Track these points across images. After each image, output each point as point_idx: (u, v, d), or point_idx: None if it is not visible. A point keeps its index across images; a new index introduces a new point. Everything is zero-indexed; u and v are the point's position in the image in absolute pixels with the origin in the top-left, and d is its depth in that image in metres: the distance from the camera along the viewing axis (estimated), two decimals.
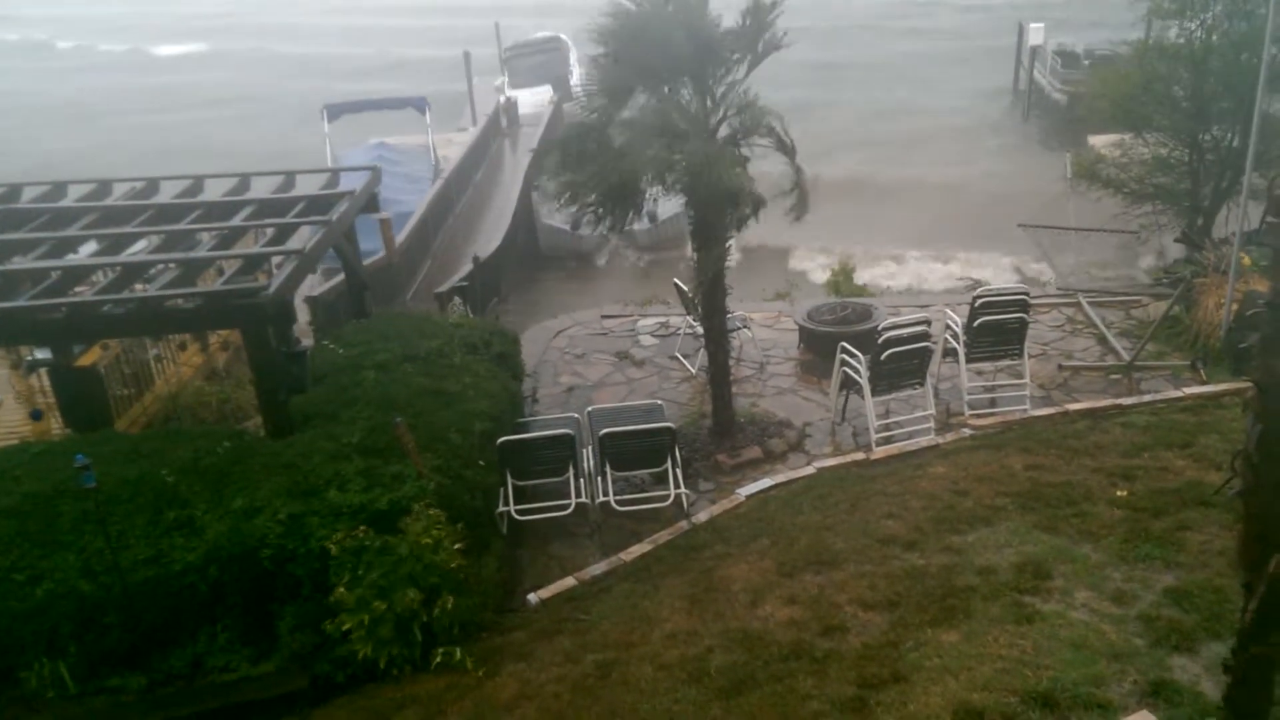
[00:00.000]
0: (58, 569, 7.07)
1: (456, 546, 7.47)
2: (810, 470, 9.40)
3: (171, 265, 8.46)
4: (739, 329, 11.28)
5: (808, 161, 9.28)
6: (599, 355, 12.36)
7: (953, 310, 11.36)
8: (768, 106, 8.74)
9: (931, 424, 9.73)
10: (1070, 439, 8.96)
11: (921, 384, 9.81)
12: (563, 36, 34.09)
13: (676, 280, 11.81)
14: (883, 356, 9.43)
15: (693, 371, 11.60)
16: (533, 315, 14.79)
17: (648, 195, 9.11)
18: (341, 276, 11.95)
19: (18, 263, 8.66)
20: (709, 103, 9.02)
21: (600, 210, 9.11)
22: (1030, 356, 10.50)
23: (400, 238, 16.05)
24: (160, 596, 6.98)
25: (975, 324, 9.99)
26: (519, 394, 10.19)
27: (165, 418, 11.41)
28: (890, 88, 33.52)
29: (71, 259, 8.96)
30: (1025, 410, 9.89)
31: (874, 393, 9.62)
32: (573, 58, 33.44)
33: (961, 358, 10.07)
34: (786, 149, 9.10)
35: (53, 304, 7.83)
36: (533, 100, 28.79)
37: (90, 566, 7.05)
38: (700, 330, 11.67)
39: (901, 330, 9.55)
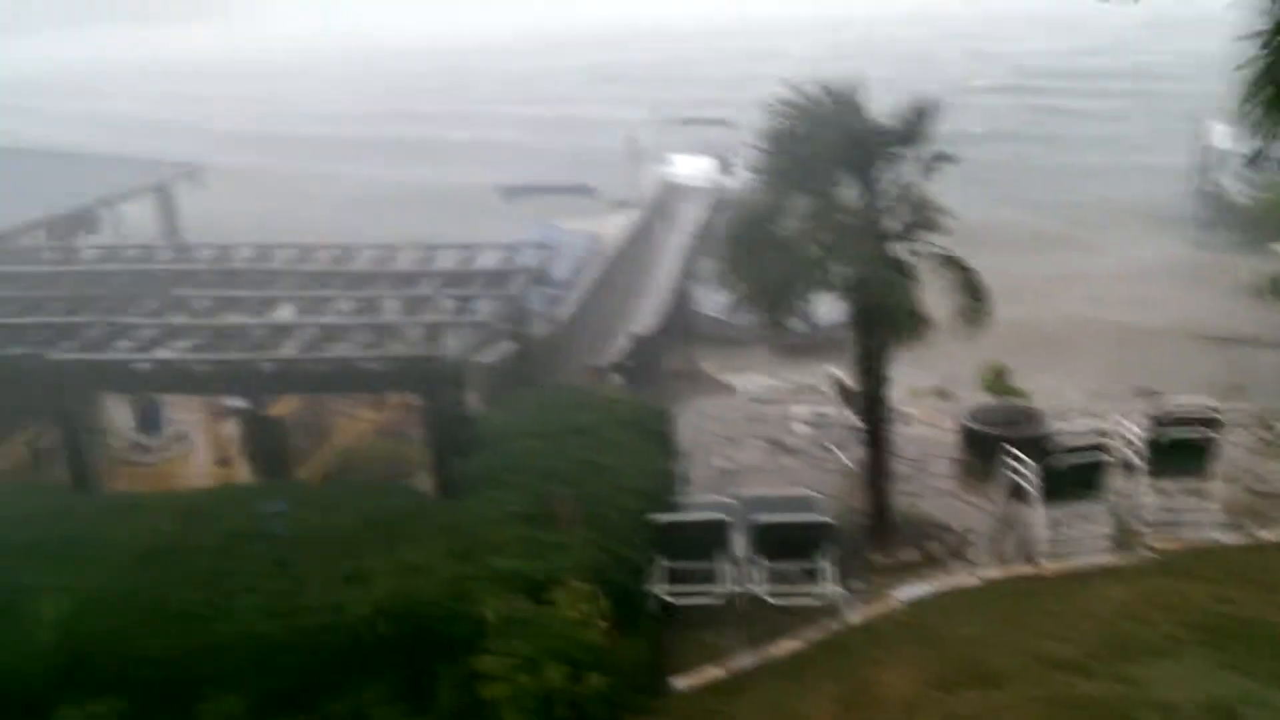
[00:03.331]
0: (241, 608, 7.55)
1: (604, 623, 7.53)
2: (972, 580, 9.04)
3: (364, 328, 9.05)
4: (901, 425, 11.05)
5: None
6: (751, 440, 12.35)
7: (1128, 421, 10.77)
8: (940, 204, 8.68)
9: (1106, 541, 9.20)
10: (1264, 572, 8.31)
11: (1096, 498, 9.32)
12: (729, 118, 35.01)
13: (834, 371, 11.72)
14: (1055, 465, 9.04)
15: (847, 464, 11.40)
16: (686, 395, 14.92)
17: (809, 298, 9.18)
18: (509, 345, 12.46)
19: (227, 319, 9.45)
20: (874, 199, 9.02)
21: (761, 306, 9.21)
22: (1218, 478, 9.81)
23: (561, 312, 16.62)
24: (332, 644, 7.31)
25: (1158, 439, 9.45)
26: (672, 473, 10.28)
27: (339, 470, 12.10)
28: (1046, 180, 32.65)
29: (275, 318, 9.72)
30: (1211, 536, 9.22)
31: (1044, 503, 9.20)
32: (737, 140, 34.26)
33: (1141, 473, 9.52)
34: (955, 261, 8.99)
35: (261, 359, 8.51)
36: (694, 172, 29.50)
37: (271, 609, 7.49)
38: (856, 422, 11.57)
39: (1077, 439, 9.15)
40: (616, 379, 14.54)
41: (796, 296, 9.04)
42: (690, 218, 25.68)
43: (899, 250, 8.83)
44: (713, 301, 21.32)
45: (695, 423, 12.87)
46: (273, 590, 7.59)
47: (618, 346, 16.76)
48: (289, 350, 8.61)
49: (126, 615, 7.52)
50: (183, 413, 13.21)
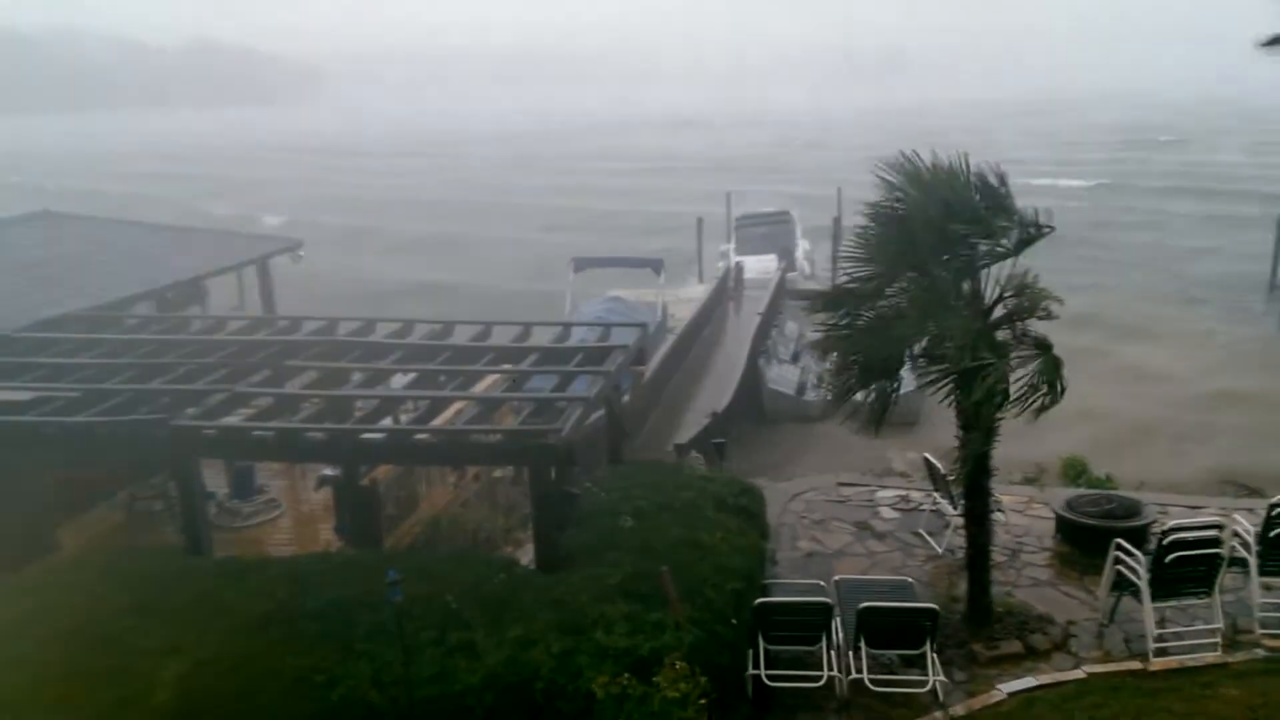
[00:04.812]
0: (351, 675, 7.64)
1: (703, 703, 7.48)
2: (1079, 673, 8.80)
3: (471, 402, 9.29)
4: (995, 512, 10.91)
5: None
6: (837, 523, 12.25)
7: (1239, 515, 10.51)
8: (1047, 290, 8.70)
9: (1218, 638, 8.92)
10: None
11: (1208, 593, 9.07)
12: (791, 212, 35.62)
13: (928, 455, 11.65)
14: (1167, 559, 8.84)
15: (939, 551, 11.27)
16: (762, 474, 14.89)
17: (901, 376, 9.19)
18: (596, 417, 12.62)
19: (340, 390, 9.77)
20: (975, 281, 9.07)
21: (857, 381, 9.26)
22: None
23: (638, 387, 16.80)
24: (441, 715, 7.36)
25: (1273, 534, 9.22)
26: (765, 553, 10.24)
27: (425, 540, 12.25)
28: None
29: (387, 390, 10.03)
30: None
31: (1153, 597, 8.98)
32: (798, 231, 34.80)
33: (1254, 570, 9.27)
34: (1046, 346, 8.95)
35: (377, 430, 8.77)
36: (758, 267, 30.00)
37: (380, 677, 7.57)
38: (947, 508, 11.46)
39: (1188, 533, 8.96)
40: (696, 456, 14.61)
41: (893, 373, 9.07)
42: (755, 299, 25.98)
43: (1001, 332, 8.84)
44: (783, 379, 21.47)
45: (779, 503, 12.82)
46: (383, 659, 7.68)
47: (696, 423, 16.87)
48: (401, 422, 8.86)
49: (242, 678, 7.65)
50: (271, 478, 13.58)
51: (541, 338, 11.69)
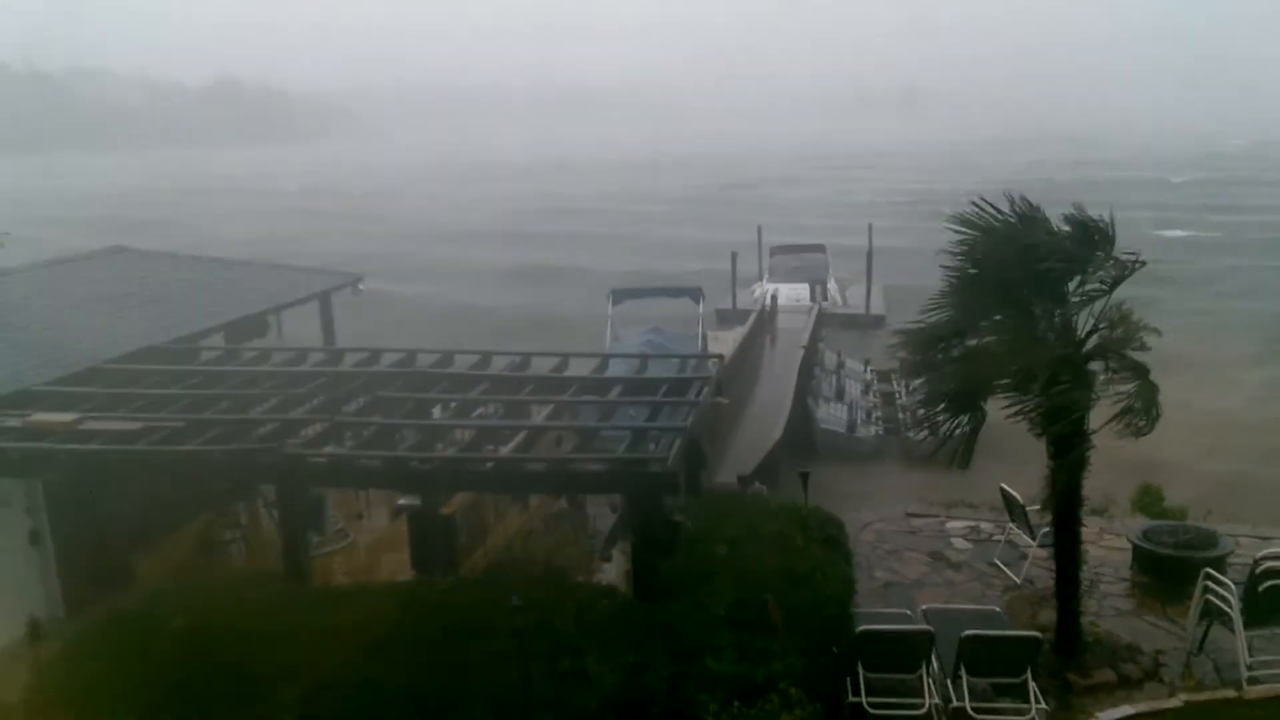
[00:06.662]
0: (467, 701, 7.77)
1: None
2: (1175, 702, 8.87)
3: (568, 431, 9.48)
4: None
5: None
6: (910, 554, 12.35)
7: None
8: (1142, 321, 8.88)
9: None
10: None
11: None
12: (823, 245, 35.96)
13: (1004, 486, 11.77)
14: (1260, 588, 8.93)
15: (1017, 581, 11.35)
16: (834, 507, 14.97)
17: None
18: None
19: (437, 419, 9.99)
20: (1065, 315, 9.25)
21: (947, 414, 9.42)
22: None
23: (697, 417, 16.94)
24: None
25: None
26: (854, 581, 10.35)
27: (496, 568, 12.37)
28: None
29: (485, 420, 10.24)
30: None
31: (1245, 625, 9.05)
32: (830, 265, 35.11)
33: None
34: (1141, 369, 9.11)
35: (479, 458, 8.98)
36: (789, 295, 30.23)
37: (499, 701, 7.70)
38: (1024, 539, 11.56)
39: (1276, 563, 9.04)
40: (761, 487, 14.72)
41: (980, 406, 9.23)
42: (796, 333, 26.14)
43: (1092, 365, 9.01)
44: (833, 418, 21.57)
45: (851, 533, 12.90)
46: (499, 683, 7.80)
47: (752, 454, 16.98)
48: (504, 451, 9.06)
49: (361, 701, 7.79)
50: (339, 507, 13.77)
51: (617, 369, 11.89)
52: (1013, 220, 9.31)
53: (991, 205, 9.29)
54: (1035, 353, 8.94)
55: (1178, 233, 50.53)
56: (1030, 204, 9.37)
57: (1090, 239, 8.98)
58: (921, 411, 9.92)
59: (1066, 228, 9.13)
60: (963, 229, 9.38)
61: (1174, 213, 56.90)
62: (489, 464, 8.98)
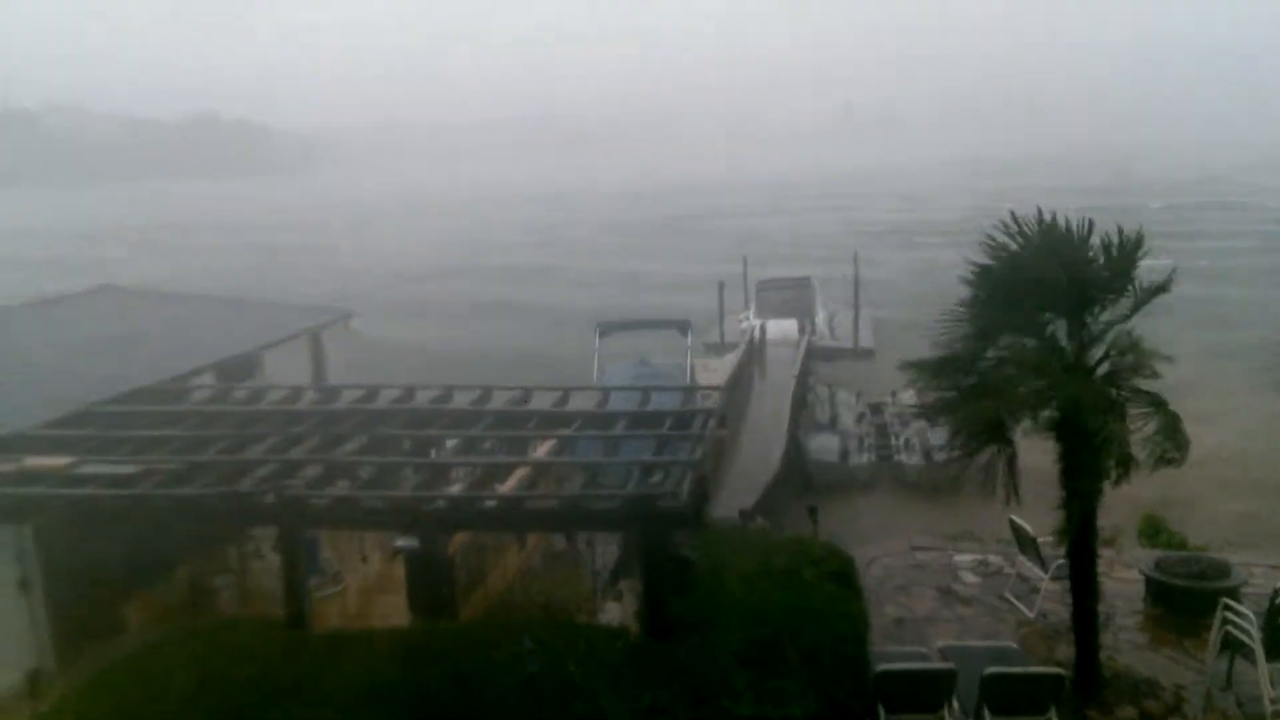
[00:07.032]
0: None
1: None
2: None
3: (574, 468, 9.29)
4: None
5: None
6: (919, 589, 12.17)
7: None
8: (1153, 349, 8.81)
9: None
10: None
11: None
12: (812, 277, 36.01)
13: (1013, 518, 11.64)
14: (1277, 619, 8.81)
15: (1030, 615, 11.19)
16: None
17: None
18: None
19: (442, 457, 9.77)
20: (1084, 341, 9.16)
21: (969, 445, 9.29)
22: None
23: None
24: None
25: None
26: (869, 618, 10.16)
27: (494, 610, 12.08)
28: None
29: (489, 456, 10.03)
30: None
31: (1267, 657, 8.92)
32: (819, 299, 35.14)
33: None
34: (1157, 400, 9.03)
35: (484, 496, 8.76)
36: (777, 330, 30.19)
37: None
38: (1035, 572, 11.41)
39: None
40: (763, 521, 14.55)
41: (1005, 436, 9.10)
42: (786, 365, 26.07)
43: (1109, 390, 8.91)
44: (825, 448, 21.43)
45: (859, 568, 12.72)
46: None
47: (749, 488, 16.82)
48: (508, 488, 8.85)
49: None
50: (330, 550, 13.45)
51: (616, 402, 11.71)
52: (1043, 240, 9.15)
53: (1019, 222, 9.15)
54: (1059, 381, 8.81)
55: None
56: (1065, 222, 9.22)
57: (1125, 258, 8.90)
58: (949, 444, 9.75)
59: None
60: (996, 244, 9.19)
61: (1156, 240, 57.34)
62: (493, 502, 8.75)
